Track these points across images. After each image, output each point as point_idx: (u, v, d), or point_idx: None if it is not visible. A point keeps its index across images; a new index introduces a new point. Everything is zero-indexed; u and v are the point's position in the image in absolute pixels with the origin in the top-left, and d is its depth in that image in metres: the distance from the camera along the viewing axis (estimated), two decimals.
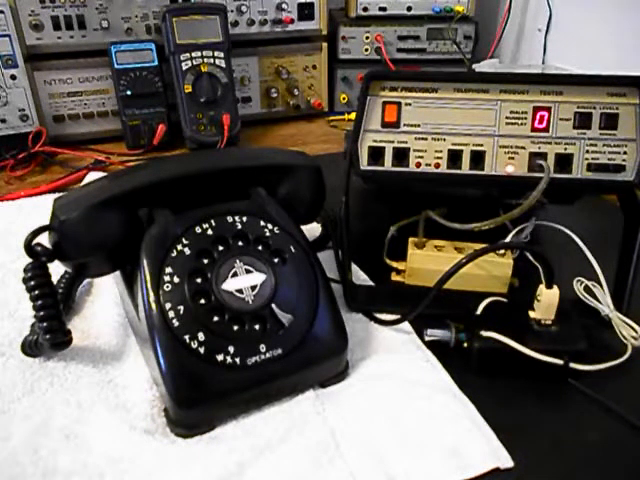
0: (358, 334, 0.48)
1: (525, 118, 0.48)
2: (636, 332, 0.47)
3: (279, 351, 0.40)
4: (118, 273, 0.48)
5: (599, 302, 0.49)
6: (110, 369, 0.44)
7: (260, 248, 0.44)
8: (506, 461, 0.37)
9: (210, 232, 0.43)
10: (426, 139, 0.50)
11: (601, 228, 0.62)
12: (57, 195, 0.71)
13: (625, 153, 0.48)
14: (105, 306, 0.51)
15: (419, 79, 0.49)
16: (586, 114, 0.48)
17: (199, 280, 0.41)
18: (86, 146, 0.88)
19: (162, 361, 0.38)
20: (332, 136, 0.97)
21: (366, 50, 1.06)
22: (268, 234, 0.44)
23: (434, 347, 0.45)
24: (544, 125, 0.48)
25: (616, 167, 0.48)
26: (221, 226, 0.44)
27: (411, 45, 1.06)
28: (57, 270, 0.53)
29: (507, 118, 0.49)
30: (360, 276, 0.56)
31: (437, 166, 0.50)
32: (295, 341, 0.41)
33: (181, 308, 0.39)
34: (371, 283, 0.56)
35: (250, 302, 0.41)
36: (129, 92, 0.86)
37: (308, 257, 0.45)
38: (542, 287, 0.44)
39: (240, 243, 0.43)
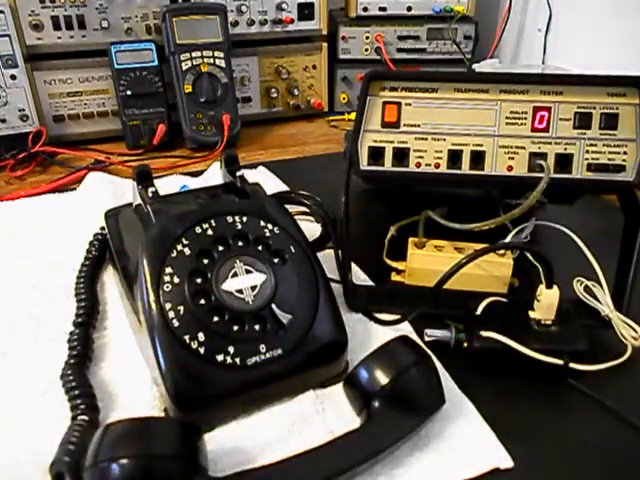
0: (358, 334, 0.48)
1: (525, 118, 0.48)
2: (636, 332, 0.47)
3: (279, 351, 0.40)
4: (118, 273, 0.48)
5: (599, 302, 0.49)
6: (109, 369, 0.44)
7: (260, 248, 0.44)
8: (506, 461, 0.37)
9: (210, 232, 0.43)
10: (426, 139, 0.50)
11: (601, 228, 0.62)
12: (56, 195, 0.72)
13: (625, 153, 0.48)
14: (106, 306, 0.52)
15: (419, 79, 0.49)
16: (586, 114, 0.48)
17: (199, 280, 0.41)
18: (86, 146, 0.88)
19: (162, 361, 0.38)
20: (332, 136, 0.97)
21: (366, 50, 1.06)
22: (268, 234, 0.44)
23: (434, 347, 0.45)
24: (544, 125, 0.48)
25: (616, 167, 0.48)
26: (221, 226, 0.44)
27: (411, 45, 1.06)
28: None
29: (507, 118, 0.49)
30: (360, 276, 0.56)
31: (437, 166, 0.50)
32: (295, 341, 0.41)
33: (181, 308, 0.39)
34: (371, 283, 0.56)
35: (250, 302, 0.41)
36: (129, 92, 0.86)
37: (308, 257, 0.45)
38: (542, 287, 0.44)
39: (240, 243, 0.43)
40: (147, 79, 0.87)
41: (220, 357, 0.38)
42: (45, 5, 0.83)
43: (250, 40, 0.96)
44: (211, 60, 0.87)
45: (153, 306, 0.39)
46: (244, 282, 0.41)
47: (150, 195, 0.47)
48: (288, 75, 1.00)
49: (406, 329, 0.49)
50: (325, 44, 1.02)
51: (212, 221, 0.44)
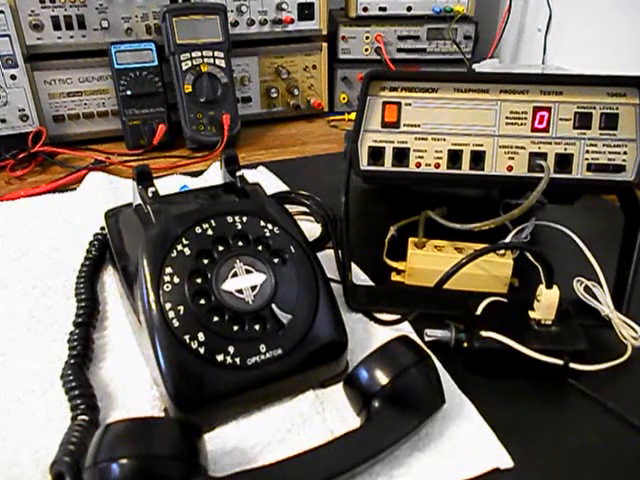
0: (358, 334, 0.48)
1: (525, 118, 0.48)
2: (636, 332, 0.47)
3: (279, 351, 0.40)
4: (118, 273, 0.48)
5: (599, 302, 0.49)
6: (109, 369, 0.44)
7: (260, 248, 0.44)
8: (506, 461, 0.37)
9: (210, 232, 0.43)
10: (426, 139, 0.50)
11: (601, 228, 0.62)
12: (57, 195, 0.72)
13: (625, 153, 0.48)
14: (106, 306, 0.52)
15: (419, 79, 0.49)
16: (586, 114, 0.48)
17: (199, 280, 0.41)
18: (86, 146, 0.88)
19: (162, 361, 0.38)
20: (332, 136, 0.97)
21: (366, 50, 1.06)
22: (268, 234, 0.44)
23: (434, 347, 0.45)
24: (544, 125, 0.48)
25: (616, 167, 0.48)
26: (221, 226, 0.44)
27: (411, 45, 1.06)
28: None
29: (507, 118, 0.49)
30: (360, 276, 0.56)
31: (437, 166, 0.50)
32: (295, 341, 0.41)
33: (181, 308, 0.39)
34: (371, 283, 0.56)
35: (250, 302, 0.41)
36: (129, 92, 0.86)
37: (308, 257, 0.45)
38: (542, 287, 0.44)
39: (240, 243, 0.43)
40: (147, 79, 0.87)
41: (220, 357, 0.38)
42: (45, 5, 0.83)
43: (250, 40, 0.96)
44: (211, 60, 0.87)
45: (153, 306, 0.39)
46: (244, 282, 0.41)
47: (150, 195, 0.47)
48: (288, 75, 1.00)
49: (406, 329, 0.49)
50: (325, 44, 1.02)
51: (212, 221, 0.44)
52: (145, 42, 0.87)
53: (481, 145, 0.49)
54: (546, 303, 0.44)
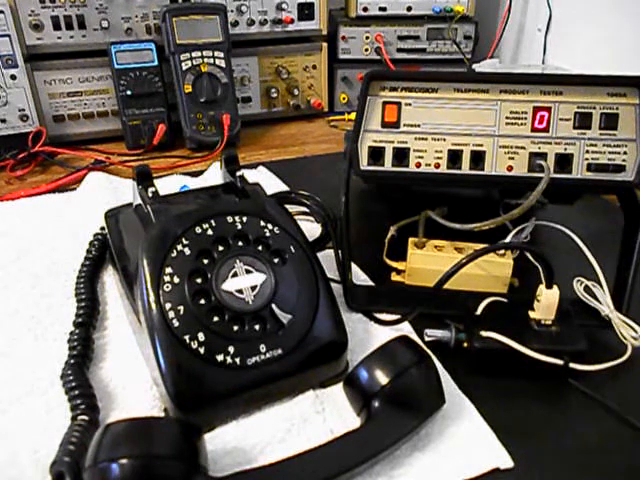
0: (358, 334, 0.48)
1: (525, 118, 0.48)
2: (636, 332, 0.47)
3: (279, 351, 0.40)
4: (118, 273, 0.48)
5: (599, 302, 0.49)
6: (109, 369, 0.44)
7: (260, 248, 0.44)
8: (506, 461, 0.37)
9: (210, 232, 0.43)
10: (426, 139, 0.50)
11: (601, 228, 0.62)
12: (57, 195, 0.72)
13: (625, 153, 0.48)
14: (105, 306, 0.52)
15: (419, 79, 0.49)
16: (586, 114, 0.48)
17: (199, 280, 0.41)
18: (86, 146, 0.88)
19: (162, 361, 0.38)
20: (332, 136, 0.97)
21: (366, 50, 1.06)
22: (268, 234, 0.44)
23: (434, 347, 0.45)
24: (544, 125, 0.48)
25: (616, 167, 0.48)
26: (221, 226, 0.44)
27: (411, 45, 1.06)
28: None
29: (507, 118, 0.49)
30: (360, 276, 0.56)
31: (437, 166, 0.50)
32: (295, 341, 0.41)
33: (181, 308, 0.39)
34: (371, 283, 0.56)
35: (250, 302, 0.41)
36: (129, 92, 0.86)
37: (308, 257, 0.45)
38: (542, 287, 0.44)
39: (240, 243, 0.43)
40: (147, 79, 0.87)
41: (220, 357, 0.38)
42: (45, 5, 0.83)
43: (250, 40, 0.97)
44: (211, 60, 0.87)
45: (153, 306, 0.39)
46: (244, 282, 0.41)
47: (150, 195, 0.47)
48: (288, 75, 1.00)
49: (406, 329, 0.49)
50: (325, 44, 1.02)
51: (212, 221, 0.44)
52: (145, 42, 0.87)
53: (481, 145, 0.49)
54: (546, 303, 0.44)
